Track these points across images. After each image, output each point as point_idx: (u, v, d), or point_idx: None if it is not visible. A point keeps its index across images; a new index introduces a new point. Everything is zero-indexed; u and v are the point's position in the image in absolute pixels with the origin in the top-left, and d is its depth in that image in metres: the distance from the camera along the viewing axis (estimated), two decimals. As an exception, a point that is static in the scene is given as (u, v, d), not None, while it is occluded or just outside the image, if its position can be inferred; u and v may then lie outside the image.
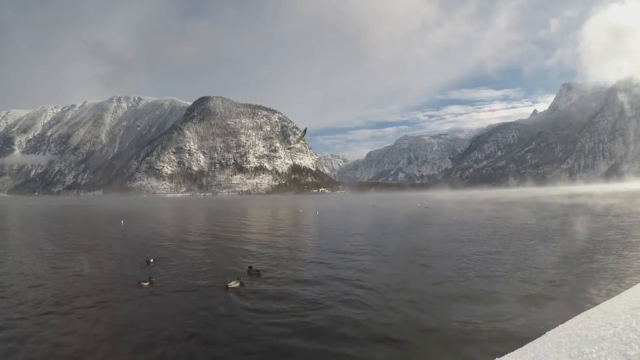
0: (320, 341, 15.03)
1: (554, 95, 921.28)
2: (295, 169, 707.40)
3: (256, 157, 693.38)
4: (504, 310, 16.70)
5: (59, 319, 18.03)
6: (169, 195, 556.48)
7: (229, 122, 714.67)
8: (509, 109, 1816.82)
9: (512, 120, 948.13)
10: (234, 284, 23.54)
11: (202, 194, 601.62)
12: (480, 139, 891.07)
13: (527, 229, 47.59)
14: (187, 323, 17.25)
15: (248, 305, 19.72)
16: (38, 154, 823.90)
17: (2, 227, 68.75)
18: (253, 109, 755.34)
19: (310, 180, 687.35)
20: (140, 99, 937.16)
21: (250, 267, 27.30)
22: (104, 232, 57.47)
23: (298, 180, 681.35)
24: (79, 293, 22.19)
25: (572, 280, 21.67)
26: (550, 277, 22.55)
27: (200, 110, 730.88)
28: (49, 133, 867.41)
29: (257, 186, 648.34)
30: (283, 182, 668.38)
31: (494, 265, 26.81)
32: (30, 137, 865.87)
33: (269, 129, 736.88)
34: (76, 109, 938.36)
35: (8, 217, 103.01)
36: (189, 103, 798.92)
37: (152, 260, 30.45)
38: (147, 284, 23.60)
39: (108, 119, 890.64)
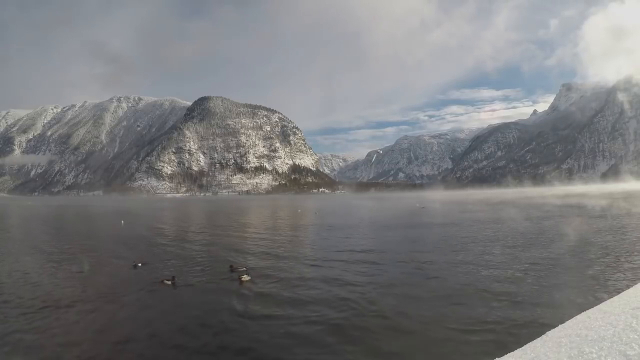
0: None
1: (554, 95, 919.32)
2: (295, 169, 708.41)
3: (256, 157, 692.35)
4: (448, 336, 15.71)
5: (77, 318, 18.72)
6: (168, 195, 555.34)
7: (229, 122, 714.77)
8: (509, 109, 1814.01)
9: (512, 120, 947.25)
10: (246, 278, 25.04)
11: (202, 194, 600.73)
12: (480, 139, 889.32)
13: (513, 230, 48.49)
14: (212, 316, 18.48)
15: (260, 299, 21.21)
16: (38, 154, 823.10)
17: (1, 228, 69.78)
18: (253, 109, 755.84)
19: (310, 180, 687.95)
20: (140, 99, 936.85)
21: (231, 266, 27.95)
22: (104, 233, 58.53)
23: (298, 180, 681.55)
24: (82, 292, 23.24)
25: (538, 294, 20.92)
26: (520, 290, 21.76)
27: (200, 110, 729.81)
28: (49, 133, 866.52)
29: (257, 186, 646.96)
30: (283, 182, 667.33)
31: (471, 272, 26.81)
32: (30, 137, 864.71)
33: (269, 129, 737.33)
34: (76, 109, 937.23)
35: (9, 216, 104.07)
36: (189, 103, 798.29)
37: (139, 264, 31.10)
38: (170, 282, 24.74)
39: (108, 119, 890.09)
